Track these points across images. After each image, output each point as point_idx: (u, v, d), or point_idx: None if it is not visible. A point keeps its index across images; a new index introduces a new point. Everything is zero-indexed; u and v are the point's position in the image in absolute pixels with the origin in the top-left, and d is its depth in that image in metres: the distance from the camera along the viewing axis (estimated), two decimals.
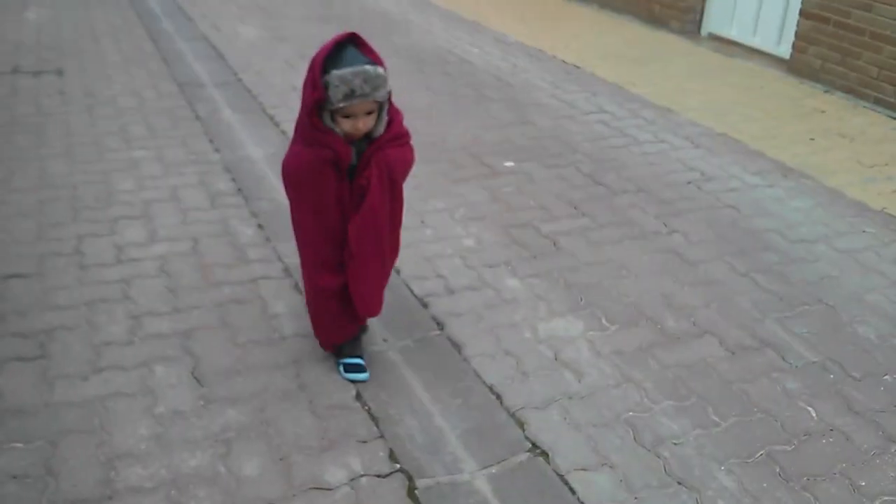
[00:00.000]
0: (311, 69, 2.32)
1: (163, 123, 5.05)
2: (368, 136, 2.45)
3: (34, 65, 6.05)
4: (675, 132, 5.36)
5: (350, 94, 2.28)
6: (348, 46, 2.32)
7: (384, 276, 2.76)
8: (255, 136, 4.94)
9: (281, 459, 2.50)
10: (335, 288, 2.66)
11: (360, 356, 2.88)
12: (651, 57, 7.10)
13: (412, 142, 2.63)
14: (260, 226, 3.88)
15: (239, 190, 4.23)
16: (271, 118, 5.25)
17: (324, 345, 2.91)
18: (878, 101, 6.09)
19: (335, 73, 2.26)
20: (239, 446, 2.54)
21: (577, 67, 6.70)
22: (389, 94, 2.42)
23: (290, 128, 4.98)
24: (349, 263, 2.60)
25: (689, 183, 4.60)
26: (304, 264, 2.72)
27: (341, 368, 2.86)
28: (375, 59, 2.32)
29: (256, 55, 6.62)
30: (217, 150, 4.70)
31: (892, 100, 5.97)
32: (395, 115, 2.50)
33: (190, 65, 6.27)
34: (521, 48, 7.20)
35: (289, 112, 5.38)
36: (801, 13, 6.62)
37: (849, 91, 6.30)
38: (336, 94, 2.27)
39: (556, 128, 5.33)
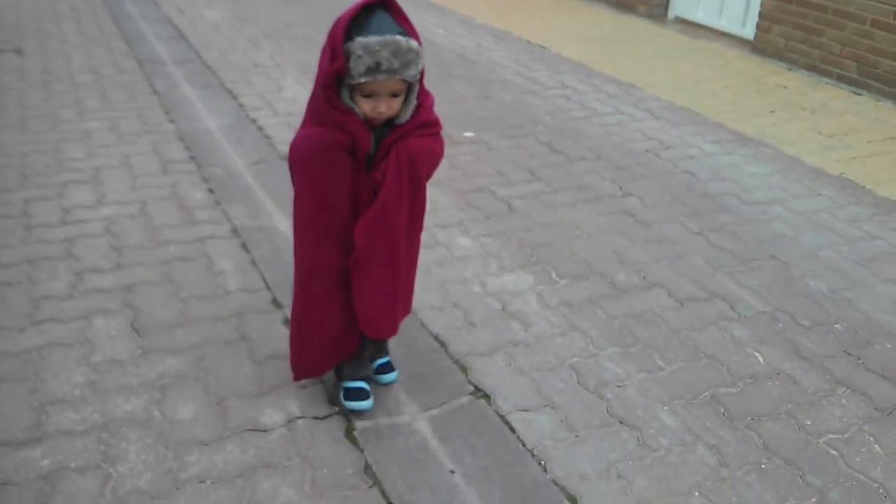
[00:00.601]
0: (331, 35, 1.94)
1: (119, 97, 4.99)
2: (391, 122, 2.06)
3: None
4: (636, 105, 5.36)
5: (374, 68, 1.88)
6: (378, 10, 1.94)
7: (396, 292, 2.28)
8: (212, 109, 4.89)
9: (217, 404, 2.46)
10: (333, 298, 2.25)
11: (364, 378, 2.46)
12: (617, 39, 7.11)
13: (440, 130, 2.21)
14: (210, 190, 3.84)
15: (192, 157, 4.18)
16: (230, 92, 5.20)
17: (310, 371, 2.42)
18: (840, 78, 6.12)
19: (359, 40, 1.88)
20: (175, 392, 2.49)
21: (543, 48, 6.69)
22: (422, 73, 2.01)
23: (248, 101, 4.97)
24: (353, 271, 2.18)
25: (647, 151, 4.60)
26: (297, 268, 2.28)
27: (341, 395, 2.44)
28: (409, 30, 1.94)
29: (219, 35, 6.57)
30: (172, 122, 4.65)
31: (854, 76, 6.01)
32: (424, 100, 2.09)
33: (151, 44, 6.21)
34: (488, 30, 7.19)
35: (248, 86, 5.34)
36: None
37: (812, 68, 6.33)
38: (358, 66, 1.89)
39: (517, 102, 5.32)
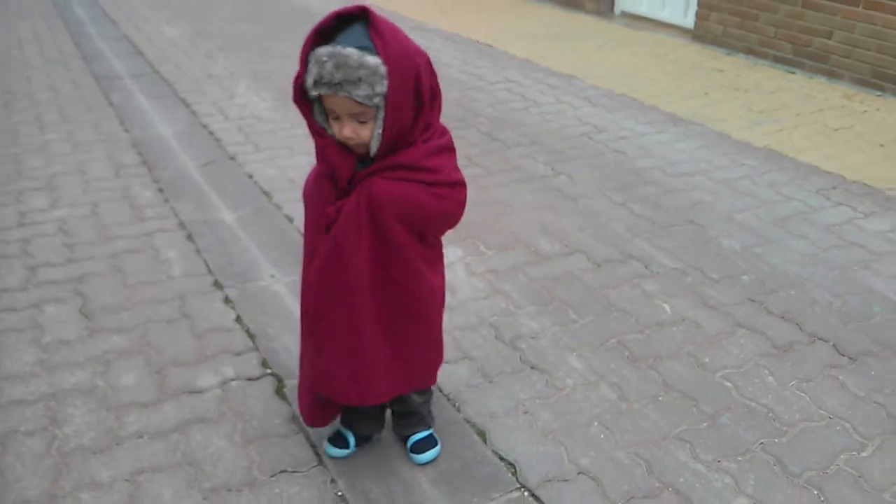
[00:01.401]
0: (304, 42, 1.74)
1: (76, 111, 5.20)
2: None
3: None
4: (575, 95, 5.60)
5: (318, 80, 1.69)
6: (355, 23, 1.71)
7: (363, 354, 1.97)
8: (166, 117, 5.10)
9: (157, 372, 2.65)
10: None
11: (351, 429, 2.29)
12: (563, 35, 7.37)
13: (456, 190, 1.91)
14: (160, 189, 4.04)
15: (143, 162, 4.39)
16: (183, 101, 5.41)
17: (306, 417, 2.22)
18: (776, 59, 6.37)
19: (317, 49, 1.70)
20: (118, 364, 2.69)
21: (490, 46, 6.94)
22: (400, 100, 1.71)
23: (200, 108, 5.18)
24: (308, 318, 2.02)
25: (581, 135, 4.83)
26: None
27: (326, 442, 2.31)
28: (378, 45, 1.67)
29: (176, 50, 6.79)
30: (127, 131, 4.85)
31: (789, 56, 6.27)
32: (423, 136, 1.82)
33: (109, 61, 6.43)
34: (437, 33, 7.43)
35: (201, 95, 5.55)
36: None
37: (749, 52, 6.59)
38: (307, 76, 1.72)
39: (462, 98, 5.55)
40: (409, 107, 1.74)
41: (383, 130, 1.75)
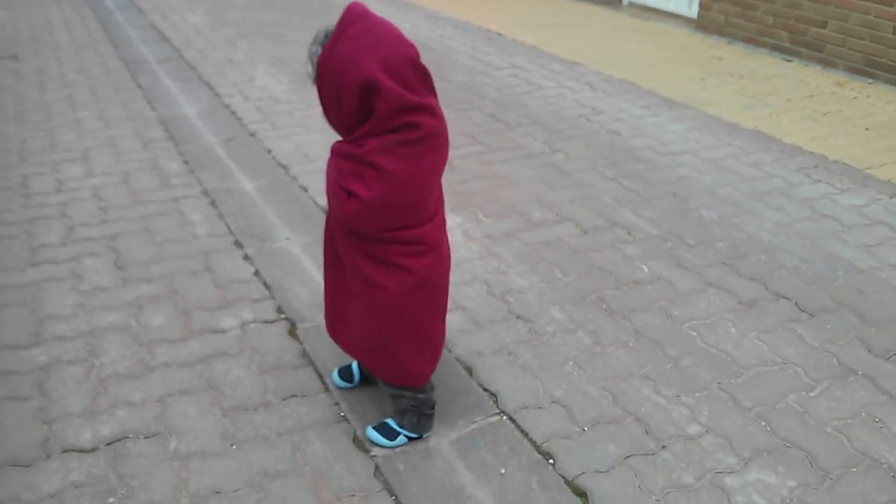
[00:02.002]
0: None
1: (107, 92, 5.54)
2: None
3: None
4: (577, 80, 5.88)
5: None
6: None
7: (336, 296, 2.30)
8: (191, 98, 5.44)
9: (184, 315, 2.99)
10: None
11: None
12: (571, 24, 7.64)
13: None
14: (185, 161, 4.38)
15: (170, 137, 4.72)
16: (207, 83, 5.75)
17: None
18: (774, 48, 6.63)
19: None
20: (149, 308, 3.02)
21: (500, 35, 7.23)
22: (372, 117, 1.90)
23: (223, 90, 5.51)
24: None
25: (579, 116, 5.12)
26: None
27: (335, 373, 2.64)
28: (336, 34, 1.88)
29: (199, 37, 7.13)
30: (154, 110, 5.19)
31: (787, 44, 6.52)
32: (353, 129, 1.99)
33: (136, 47, 6.77)
34: (450, 21, 7.73)
35: (223, 78, 5.89)
36: None
37: (749, 41, 6.84)
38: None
39: (469, 81, 5.85)
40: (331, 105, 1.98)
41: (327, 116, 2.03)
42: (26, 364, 2.68)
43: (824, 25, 6.16)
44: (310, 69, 1.96)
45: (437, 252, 2.13)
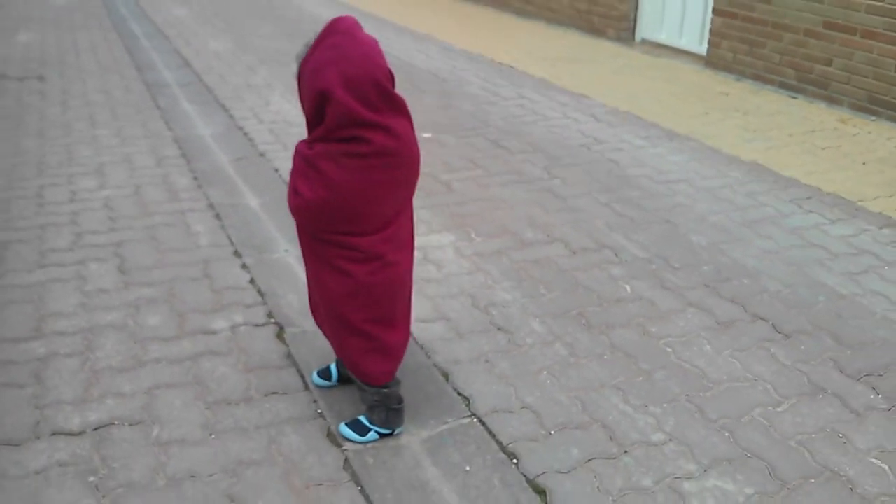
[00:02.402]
0: None
1: (126, 112, 5.77)
2: None
3: (19, 73, 6.83)
4: (583, 111, 6.03)
5: None
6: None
7: (308, 280, 2.41)
8: (207, 120, 5.64)
9: (179, 316, 3.13)
10: None
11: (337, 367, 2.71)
12: (582, 59, 7.81)
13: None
14: (195, 178, 4.55)
15: (183, 155, 4.91)
16: (223, 106, 5.96)
17: None
18: (781, 85, 6.74)
19: None
20: (147, 309, 3.17)
21: (511, 67, 7.40)
22: (331, 117, 2.06)
23: (238, 113, 5.71)
24: None
25: (580, 145, 5.25)
26: None
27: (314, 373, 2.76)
28: (315, 43, 2.07)
29: (220, 62, 7.38)
30: (170, 130, 5.40)
31: (793, 82, 6.62)
32: (310, 128, 2.16)
33: (159, 71, 7.03)
34: (463, 54, 7.93)
35: (239, 101, 6.10)
36: (714, 11, 7.32)
37: (756, 78, 6.96)
38: None
39: (476, 110, 6.01)
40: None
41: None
42: (25, 355, 2.83)
43: (829, 63, 6.27)
44: (295, 70, 2.11)
45: (379, 262, 2.21)
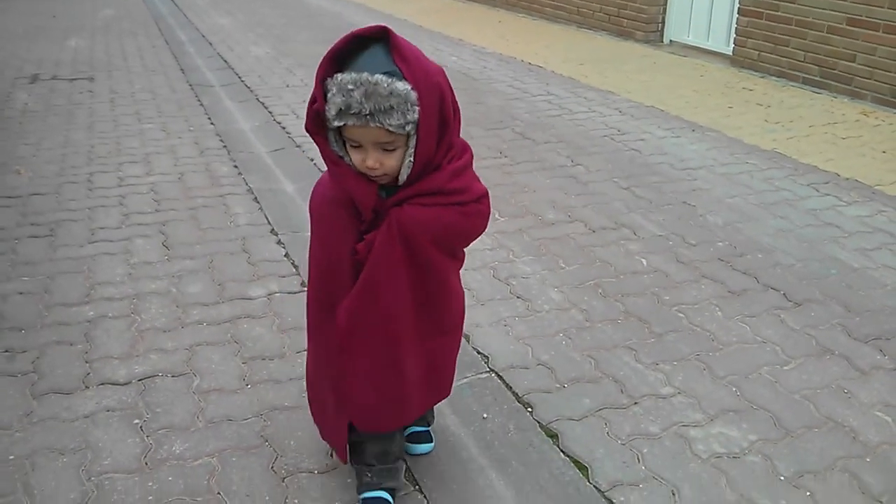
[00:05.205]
0: (318, 68, 1.67)
1: (171, 108, 6.05)
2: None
3: (70, 74, 7.18)
4: (608, 106, 6.18)
5: (345, 111, 1.60)
6: (374, 45, 1.64)
7: (400, 384, 1.93)
8: (247, 116, 5.90)
9: (218, 285, 3.34)
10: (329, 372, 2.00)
11: (383, 488, 2.09)
12: (610, 59, 7.96)
13: (482, 203, 1.88)
14: (235, 166, 4.80)
15: (224, 146, 5.16)
16: (263, 104, 6.22)
17: (323, 433, 2.19)
18: (805, 81, 6.83)
19: (337, 76, 1.62)
20: (188, 279, 3.39)
21: (540, 67, 7.58)
22: (446, 132, 1.69)
23: (277, 110, 5.98)
24: (339, 355, 1.91)
25: (604, 136, 5.41)
26: (307, 319, 2.05)
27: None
28: (405, 71, 1.60)
29: (261, 66, 7.67)
30: (213, 124, 5.66)
31: (817, 78, 6.72)
32: (442, 162, 1.73)
33: (203, 73, 7.33)
34: (494, 56, 8.13)
35: (278, 99, 6.36)
36: (739, 11, 7.44)
37: (781, 75, 7.06)
38: (330, 106, 1.62)
39: (504, 105, 6.20)
40: (436, 130, 1.67)
41: (414, 158, 1.68)
42: (76, 318, 3.06)
43: (853, 59, 6.35)
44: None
45: None
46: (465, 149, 1.81)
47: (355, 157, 1.69)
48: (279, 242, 3.75)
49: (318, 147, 1.74)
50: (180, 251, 3.64)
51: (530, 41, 8.93)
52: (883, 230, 3.93)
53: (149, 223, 3.93)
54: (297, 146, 5.19)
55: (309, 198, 1.89)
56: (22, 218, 3.97)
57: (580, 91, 6.62)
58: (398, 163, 1.69)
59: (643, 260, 3.60)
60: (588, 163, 4.86)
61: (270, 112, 6.00)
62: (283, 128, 5.61)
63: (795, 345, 2.96)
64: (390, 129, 1.60)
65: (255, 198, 4.28)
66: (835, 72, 6.53)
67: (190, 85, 6.83)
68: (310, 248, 1.95)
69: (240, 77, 7.15)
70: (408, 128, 1.62)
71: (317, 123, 1.69)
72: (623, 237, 3.83)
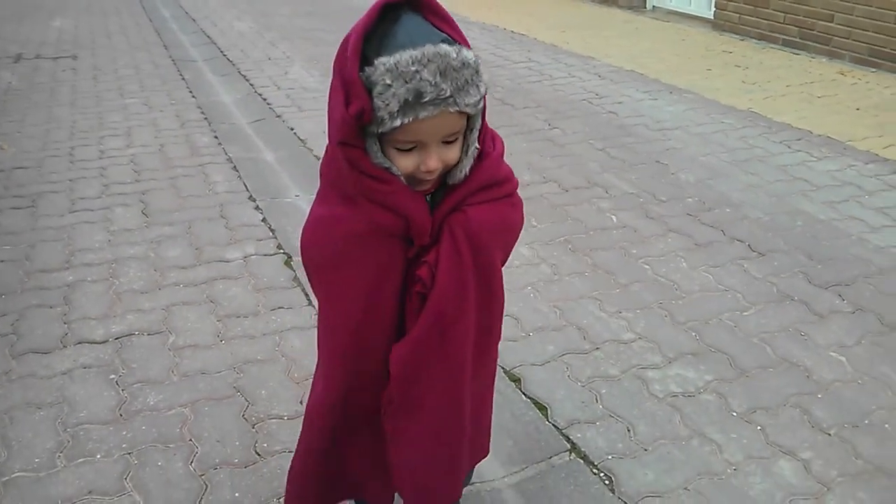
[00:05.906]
0: (338, 61, 1.25)
1: (154, 83, 6.10)
2: (443, 183, 1.37)
3: (53, 53, 7.21)
4: (587, 71, 6.23)
5: (412, 102, 1.19)
6: (404, 12, 1.24)
7: (460, 441, 1.56)
8: (229, 89, 5.95)
9: (196, 249, 3.42)
10: (356, 449, 1.62)
11: None
12: (592, 26, 7.99)
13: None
14: (216, 136, 4.86)
15: (205, 118, 5.22)
16: (245, 77, 6.26)
17: None
18: (785, 43, 6.87)
19: (383, 61, 1.19)
20: (166, 244, 3.47)
21: (523, 35, 7.62)
22: (484, 101, 1.29)
23: (258, 82, 6.02)
24: (388, 416, 1.51)
25: (582, 100, 5.46)
26: (314, 401, 1.60)
27: None
28: (455, 35, 1.24)
29: (243, 40, 7.70)
30: (194, 97, 5.71)
31: (796, 39, 6.76)
32: (489, 144, 1.39)
33: (186, 48, 7.36)
34: (478, 25, 8.15)
35: (260, 72, 6.40)
36: None
37: (761, 38, 7.09)
38: (389, 102, 1.19)
39: (485, 73, 6.24)
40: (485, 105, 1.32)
41: (480, 146, 1.33)
42: (56, 282, 3.14)
43: (831, 19, 6.39)
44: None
45: None
46: (490, 130, 1.41)
47: (405, 164, 1.28)
48: (257, 208, 3.81)
49: (349, 164, 1.27)
50: (159, 218, 3.71)
51: (515, 10, 8.94)
52: (852, 183, 4.00)
53: (129, 192, 4.00)
54: (278, 116, 5.25)
55: (301, 245, 1.45)
56: (4, 191, 4.03)
57: (561, 57, 6.66)
58: (458, 154, 1.30)
59: (613, 216, 3.67)
60: (565, 126, 4.92)
61: (252, 84, 6.04)
62: (265, 99, 5.66)
63: (757, 292, 3.04)
64: (466, 110, 1.23)
65: (234, 166, 4.35)
66: (813, 32, 6.57)
67: (173, 60, 6.87)
68: (320, 311, 1.50)
69: (222, 51, 7.18)
70: (479, 106, 1.26)
71: (356, 132, 1.24)
72: (595, 196, 3.90)
